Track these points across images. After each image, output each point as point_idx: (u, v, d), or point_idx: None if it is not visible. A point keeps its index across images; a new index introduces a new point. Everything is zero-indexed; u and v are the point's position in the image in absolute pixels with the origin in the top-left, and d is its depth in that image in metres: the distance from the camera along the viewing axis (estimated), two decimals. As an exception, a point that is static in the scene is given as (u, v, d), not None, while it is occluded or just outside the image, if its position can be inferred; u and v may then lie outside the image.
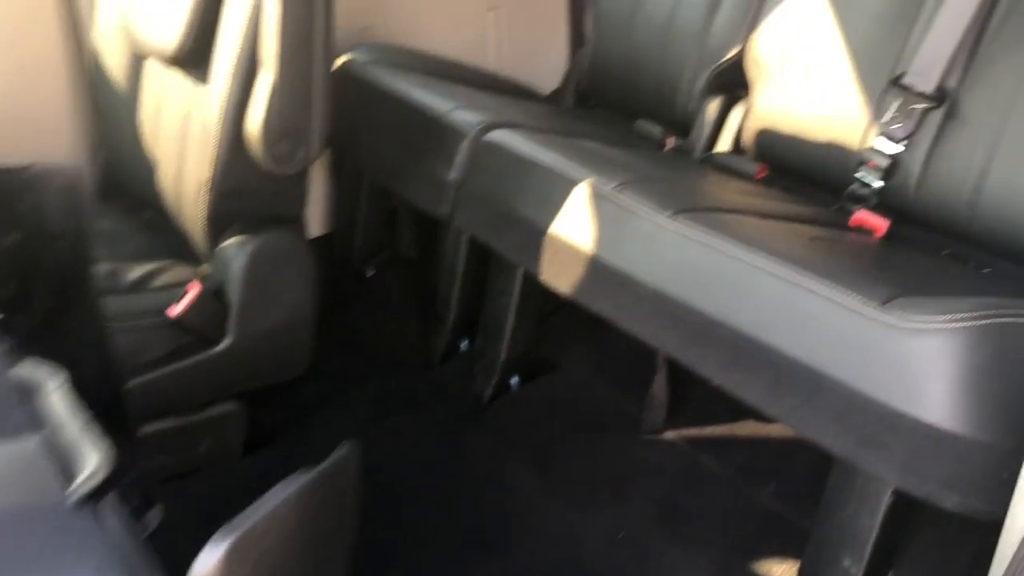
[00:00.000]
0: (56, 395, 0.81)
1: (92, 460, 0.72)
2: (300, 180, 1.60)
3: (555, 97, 2.43)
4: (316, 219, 2.21)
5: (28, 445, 0.75)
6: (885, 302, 1.15)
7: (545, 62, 2.51)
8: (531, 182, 1.59)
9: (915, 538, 1.32)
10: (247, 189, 1.54)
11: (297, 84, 1.45)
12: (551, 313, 1.91)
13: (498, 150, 1.66)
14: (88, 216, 1.12)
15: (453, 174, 1.72)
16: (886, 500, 1.22)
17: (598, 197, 1.47)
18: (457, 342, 1.98)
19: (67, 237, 1.07)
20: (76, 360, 0.95)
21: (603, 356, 1.94)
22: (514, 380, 1.88)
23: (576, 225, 1.49)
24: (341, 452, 1.06)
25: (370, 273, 2.21)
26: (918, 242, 1.67)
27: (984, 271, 1.62)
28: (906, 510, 1.23)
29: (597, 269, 1.45)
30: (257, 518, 0.86)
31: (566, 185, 1.52)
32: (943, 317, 1.08)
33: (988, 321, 1.08)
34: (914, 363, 1.09)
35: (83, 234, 1.10)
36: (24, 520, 0.67)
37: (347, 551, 1.13)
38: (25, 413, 0.79)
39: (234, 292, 1.54)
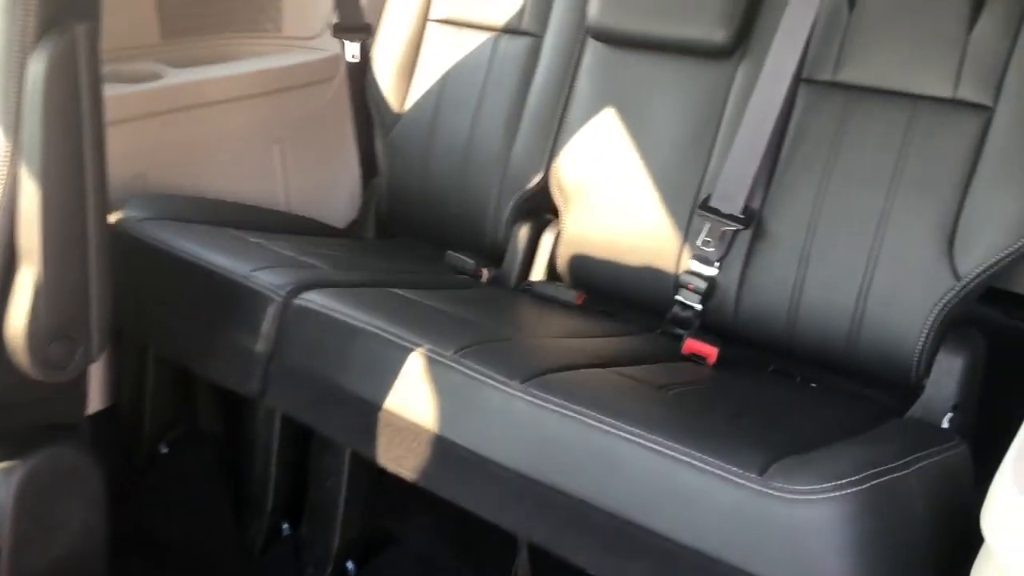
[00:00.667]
0: None
1: None
2: (79, 382, 1.35)
3: (354, 229, 2.30)
4: (96, 391, 1.92)
5: None
6: (763, 470, 1.09)
7: (337, 193, 2.37)
8: (356, 351, 1.44)
9: None
10: (11, 404, 1.27)
11: (70, 275, 1.22)
12: (389, 481, 1.73)
13: (313, 316, 1.50)
14: None
15: (261, 346, 1.52)
16: None
17: (436, 365, 1.34)
18: (278, 527, 1.75)
19: None
20: None
21: (452, 524, 1.78)
22: (350, 565, 1.68)
23: (415, 399, 1.35)
24: None
25: (164, 451, 1.94)
26: (747, 362, 1.67)
27: (811, 385, 1.64)
28: None
29: (445, 449, 1.31)
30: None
31: (398, 352, 1.38)
32: (828, 484, 1.04)
33: (873, 483, 1.05)
34: (806, 535, 1.04)
35: None
36: None
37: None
38: None
39: (4, 526, 1.26)
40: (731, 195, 1.68)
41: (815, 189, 1.64)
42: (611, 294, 1.87)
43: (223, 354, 1.58)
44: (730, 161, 1.69)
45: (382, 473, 1.54)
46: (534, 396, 1.25)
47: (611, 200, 1.86)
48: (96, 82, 1.21)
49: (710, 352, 1.63)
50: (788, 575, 1.04)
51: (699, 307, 1.71)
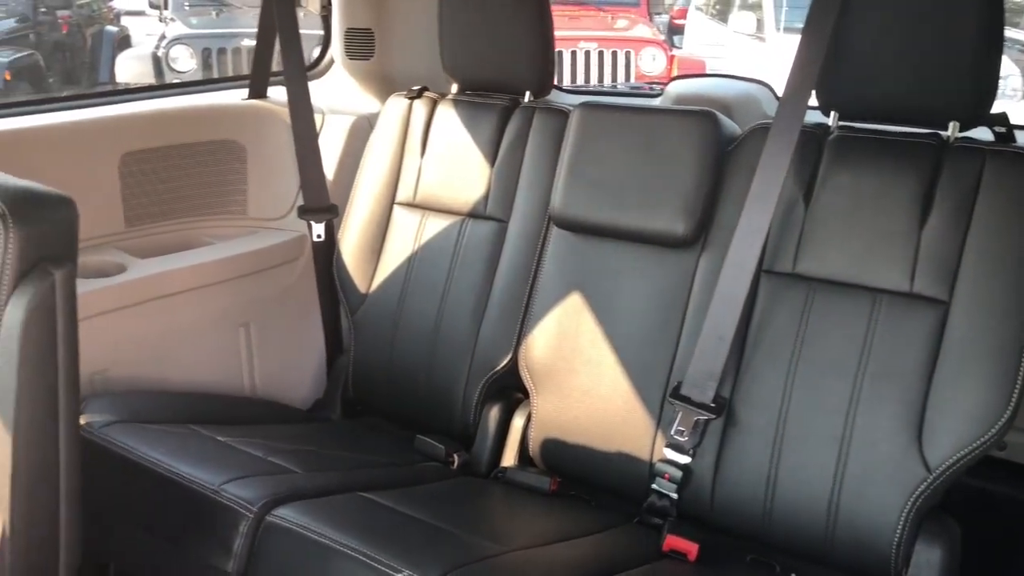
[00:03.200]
0: None
1: None
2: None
3: (319, 408, 2.27)
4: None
5: None
6: None
7: (303, 372, 2.36)
8: (333, 573, 1.40)
9: None
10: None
11: (37, 524, 1.18)
12: None
13: (286, 534, 1.46)
14: None
15: (232, 565, 1.48)
16: None
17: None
18: None
19: None
20: None
21: None
22: None
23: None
24: None
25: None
26: (726, 553, 1.66)
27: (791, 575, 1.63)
28: None
29: None
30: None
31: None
32: None
33: None
34: None
35: None
36: None
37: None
38: None
39: None
40: (701, 384, 1.70)
41: (783, 377, 1.67)
42: (586, 479, 1.86)
43: (191, 573, 1.53)
44: (698, 351, 1.72)
45: None
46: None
47: (581, 384, 1.87)
48: (73, 323, 1.20)
49: (690, 548, 1.62)
50: None
51: (675, 496, 1.71)
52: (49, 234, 1.19)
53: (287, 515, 1.48)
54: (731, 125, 1.88)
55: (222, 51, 6.85)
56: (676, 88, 2.42)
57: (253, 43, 2.43)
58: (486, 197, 2.09)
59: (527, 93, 2.11)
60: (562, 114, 2.02)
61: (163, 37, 7.06)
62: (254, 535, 1.48)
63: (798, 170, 1.71)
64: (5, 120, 1.98)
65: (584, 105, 1.96)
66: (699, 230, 1.80)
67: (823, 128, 1.74)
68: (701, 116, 1.83)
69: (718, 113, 1.85)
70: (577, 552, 1.58)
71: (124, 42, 8.32)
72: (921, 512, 1.53)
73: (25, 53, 6.93)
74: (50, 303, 1.16)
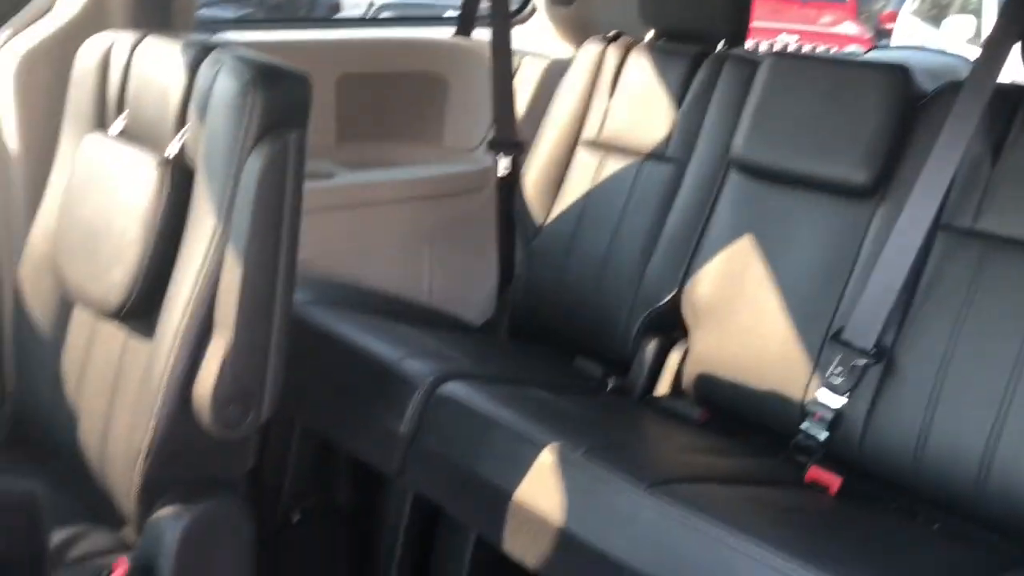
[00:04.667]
0: None
1: None
2: (246, 442, 1.49)
3: (487, 328, 2.43)
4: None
5: None
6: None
7: (476, 293, 2.52)
8: (490, 442, 1.54)
9: None
10: (187, 455, 1.42)
11: (254, 345, 1.38)
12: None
13: (453, 405, 1.61)
14: (45, 544, 0.99)
15: (404, 427, 1.64)
16: None
17: (566, 463, 1.43)
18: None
19: (18, 565, 0.94)
20: None
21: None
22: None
23: (544, 492, 1.43)
24: None
25: (296, 519, 2.06)
26: (869, 497, 1.67)
27: (934, 527, 1.63)
28: None
29: (567, 542, 1.38)
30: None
31: (529, 447, 1.47)
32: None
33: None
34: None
35: (38, 562, 0.97)
36: None
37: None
38: None
39: (165, 571, 1.39)
40: (864, 330, 1.72)
41: (948, 332, 1.66)
42: (735, 414, 1.92)
43: (367, 432, 1.71)
44: (865, 298, 1.74)
45: (502, 565, 1.62)
46: (659, 502, 1.31)
47: (742, 323, 1.92)
48: (300, 182, 1.38)
49: (833, 481, 1.65)
50: None
51: (824, 436, 1.74)
52: (286, 103, 1.38)
53: (454, 390, 1.63)
54: (924, 83, 1.88)
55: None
56: (873, 56, 2.41)
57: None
58: (668, 140, 2.17)
59: (721, 42, 2.17)
60: (752, 64, 2.06)
61: (371, 5, 7.49)
62: (425, 404, 1.63)
63: (989, 128, 1.69)
64: (247, 32, 2.24)
65: (776, 54, 2.00)
66: (879, 181, 1.81)
67: (1020, 88, 1.72)
68: (893, 68, 1.84)
69: (911, 68, 1.85)
70: (720, 461, 1.64)
71: (334, 9, 8.85)
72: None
73: (246, 11, 7.53)
74: (282, 160, 1.35)
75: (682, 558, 1.26)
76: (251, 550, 1.48)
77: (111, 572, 1.36)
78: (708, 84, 2.13)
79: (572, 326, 2.21)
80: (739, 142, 2.00)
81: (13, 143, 1.71)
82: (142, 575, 1.39)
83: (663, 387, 2.04)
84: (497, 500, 1.47)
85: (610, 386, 2.06)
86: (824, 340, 1.79)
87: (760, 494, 1.49)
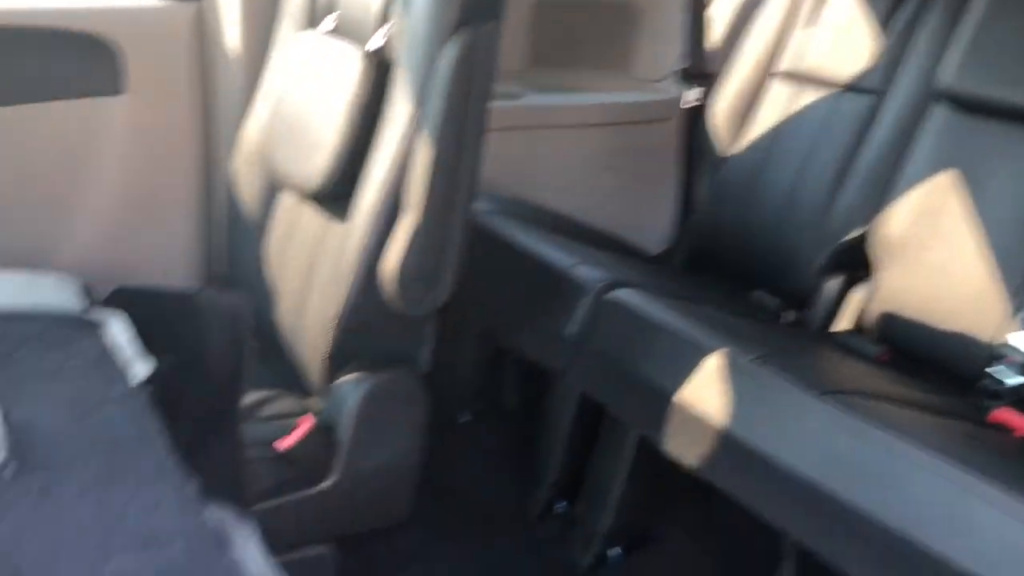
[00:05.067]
0: (250, 546, 0.77)
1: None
2: (424, 322, 1.58)
3: (663, 258, 2.42)
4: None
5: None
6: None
7: (653, 223, 2.51)
8: (657, 346, 1.55)
9: None
10: (372, 328, 1.52)
11: (438, 228, 1.45)
12: (660, 481, 1.81)
13: (621, 309, 1.63)
14: (247, 348, 1.11)
15: (572, 329, 1.68)
16: None
17: (734, 368, 1.42)
18: (554, 502, 1.89)
19: (223, 367, 1.06)
20: (209, 492, 0.91)
21: (719, 534, 1.82)
22: (614, 552, 1.77)
23: (708, 395, 1.43)
24: None
25: (464, 419, 2.16)
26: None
27: None
28: None
29: (730, 445, 1.38)
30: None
31: (696, 352, 1.47)
32: None
33: None
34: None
35: (239, 366, 1.08)
36: None
37: None
38: (225, 566, 0.75)
39: (346, 430, 1.50)
40: (1070, 271, 1.60)
41: None
42: (918, 355, 1.83)
43: (537, 333, 1.76)
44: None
45: (662, 465, 1.64)
46: (831, 409, 1.29)
47: (934, 262, 1.83)
48: (491, 71, 1.44)
49: (1019, 423, 1.56)
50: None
51: (1014, 381, 1.64)
52: (481, -1, 1.43)
53: (624, 296, 1.65)
54: None
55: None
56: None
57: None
58: (868, 71, 2.08)
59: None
60: (968, -9, 1.94)
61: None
62: (595, 308, 1.66)
63: None
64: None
65: (998, -22, 1.87)
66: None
67: None
68: None
69: None
70: (898, 389, 1.58)
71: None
72: None
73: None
74: (477, 51, 1.41)
75: (851, 466, 1.23)
76: (423, 420, 1.57)
77: (296, 427, 1.48)
78: (916, 13, 2.02)
79: (751, 259, 2.17)
80: (948, 72, 1.88)
81: (235, 44, 1.85)
82: (324, 433, 1.50)
83: (842, 324, 1.98)
84: (660, 401, 1.48)
85: (786, 319, 2.02)
86: (1022, 282, 1.68)
87: (937, 421, 1.42)
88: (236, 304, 1.18)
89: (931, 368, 1.81)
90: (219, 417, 0.99)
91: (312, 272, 1.61)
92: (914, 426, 1.30)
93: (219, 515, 0.83)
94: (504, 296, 1.89)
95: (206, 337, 1.09)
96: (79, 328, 1.13)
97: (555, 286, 1.75)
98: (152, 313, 1.18)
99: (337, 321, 1.51)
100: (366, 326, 1.51)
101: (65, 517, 0.81)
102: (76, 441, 0.91)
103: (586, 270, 1.74)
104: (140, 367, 1.06)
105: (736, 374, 1.41)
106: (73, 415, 0.95)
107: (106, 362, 1.06)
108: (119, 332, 1.11)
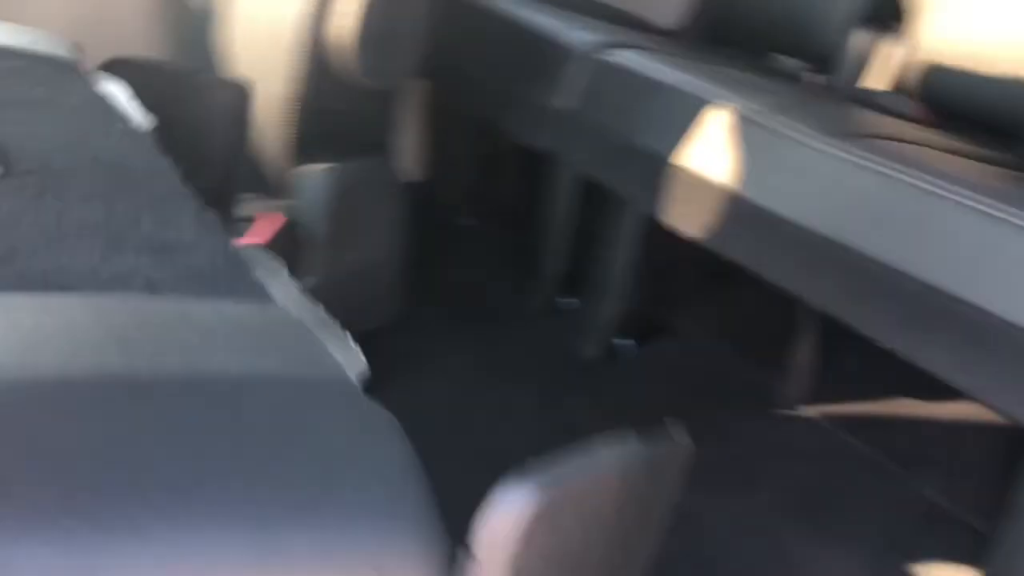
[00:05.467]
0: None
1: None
2: (391, 102, 1.41)
3: (676, 33, 2.19)
4: (411, 165, 2.03)
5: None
6: None
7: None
8: (657, 108, 1.37)
9: None
10: (334, 108, 1.36)
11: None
12: (670, 266, 1.67)
13: (619, 72, 1.44)
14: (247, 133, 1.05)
15: (565, 100, 1.50)
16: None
17: (745, 122, 1.24)
18: (558, 299, 1.76)
19: (223, 150, 0.94)
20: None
21: (730, 318, 1.70)
22: (627, 343, 1.65)
23: (714, 156, 1.26)
24: (676, 436, 0.73)
25: (467, 223, 2.02)
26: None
27: None
28: None
29: (739, 208, 1.22)
30: (579, 474, 0.58)
31: (704, 109, 1.29)
32: None
33: None
34: None
35: (238, 150, 1.04)
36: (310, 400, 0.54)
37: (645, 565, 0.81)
38: (250, 284, 0.68)
39: (319, 224, 1.36)
40: None
41: None
42: (966, 114, 1.63)
43: (528, 109, 1.58)
44: None
45: (669, 243, 1.49)
46: (853, 154, 1.11)
47: (982, 6, 1.59)
48: None
49: (1076, 172, 1.37)
50: None
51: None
52: None
53: (623, 57, 1.46)
54: None
55: None
56: None
57: None
58: None
59: None
60: None
61: None
62: (589, 73, 1.47)
63: None
64: None
65: None
66: None
67: None
68: None
69: None
70: (932, 137, 1.40)
71: None
72: None
73: None
74: None
75: (875, 214, 1.07)
76: (402, 214, 1.44)
77: (265, 226, 1.35)
78: None
79: (771, 21, 1.94)
80: None
81: None
82: (296, 228, 1.37)
83: (873, 83, 1.77)
84: (663, 170, 1.32)
85: (809, 82, 1.81)
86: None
87: (977, 166, 1.24)
88: (239, 88, 1.12)
89: (978, 126, 1.61)
90: (216, 202, 0.87)
91: (255, 47, 1.43)
92: (948, 168, 1.12)
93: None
94: (491, 74, 1.70)
95: (211, 118, 0.98)
96: (71, 73, 1.02)
97: (545, 54, 1.56)
98: (148, 85, 1.07)
99: (295, 104, 1.34)
100: (324, 107, 1.35)
101: (68, 215, 0.69)
102: (75, 159, 0.80)
103: (579, 33, 1.54)
104: (142, 119, 0.96)
105: (746, 128, 1.23)
106: (70, 140, 0.84)
107: (103, 104, 0.96)
108: (116, 89, 1.02)
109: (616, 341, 1.63)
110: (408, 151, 2.03)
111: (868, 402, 1.50)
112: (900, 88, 1.73)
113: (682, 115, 1.32)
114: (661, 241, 1.45)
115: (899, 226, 1.05)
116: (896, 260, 1.03)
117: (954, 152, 1.31)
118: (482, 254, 1.96)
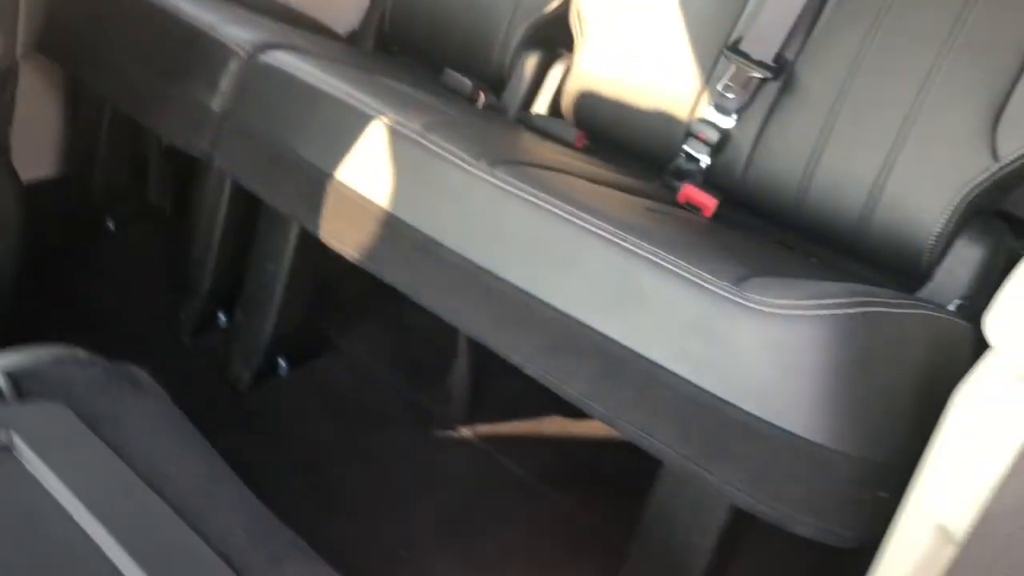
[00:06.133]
0: None
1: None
2: (3, 96, 1.21)
3: (352, 39, 2.12)
4: (48, 158, 1.79)
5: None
6: (740, 281, 0.95)
7: (344, 1, 2.19)
8: (315, 116, 1.29)
9: (753, 562, 1.15)
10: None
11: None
12: (329, 282, 1.60)
13: (276, 75, 1.35)
14: None
15: (218, 101, 1.38)
16: (723, 518, 1.03)
17: (399, 139, 1.20)
18: (214, 314, 1.62)
19: None
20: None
21: (391, 337, 1.66)
22: (281, 363, 1.56)
23: (369, 172, 1.20)
24: None
25: (109, 227, 1.81)
26: (746, 226, 1.52)
27: (811, 259, 1.50)
28: (745, 530, 1.05)
29: (392, 228, 1.17)
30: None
31: (360, 122, 1.23)
32: (811, 302, 0.90)
33: (862, 310, 0.90)
34: (774, 356, 0.90)
35: None
36: None
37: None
38: None
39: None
40: (765, 39, 1.51)
41: (857, 44, 1.46)
42: (615, 140, 1.71)
43: (177, 108, 1.44)
44: (770, 4, 1.52)
45: (324, 276, 1.43)
46: (500, 180, 1.11)
47: (633, 33, 1.68)
48: None
49: (708, 203, 1.48)
50: (746, 397, 0.90)
51: (706, 160, 1.56)
52: None
53: (281, 59, 1.36)
54: None
55: None
56: None
57: None
58: None
59: None
60: None
61: None
62: (243, 74, 1.37)
63: None
64: None
65: None
66: None
67: None
68: None
69: None
70: (586, 167, 1.45)
71: None
72: (971, 209, 1.36)
73: None
74: None
75: (519, 239, 1.07)
76: (12, 219, 1.24)
77: None
78: None
79: (446, 37, 1.93)
80: None
81: None
82: None
83: (540, 107, 1.81)
84: (318, 182, 1.25)
85: (481, 102, 1.82)
86: (720, 51, 1.57)
87: (622, 197, 1.30)
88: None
89: (627, 153, 1.70)
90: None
91: None
92: (594, 199, 1.15)
93: None
94: (138, 68, 1.52)
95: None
96: None
97: (197, 49, 1.42)
98: None
99: None
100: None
101: None
102: None
103: (234, 29, 1.42)
104: None
105: (400, 145, 1.19)
106: None
107: None
108: None
109: (274, 362, 1.53)
110: (43, 142, 1.79)
111: (518, 421, 1.52)
112: (563, 113, 1.79)
113: (340, 126, 1.26)
114: (320, 255, 1.37)
115: (542, 256, 1.05)
116: (539, 289, 1.04)
117: (603, 181, 1.36)
118: (126, 263, 1.77)
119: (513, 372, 1.28)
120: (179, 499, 0.66)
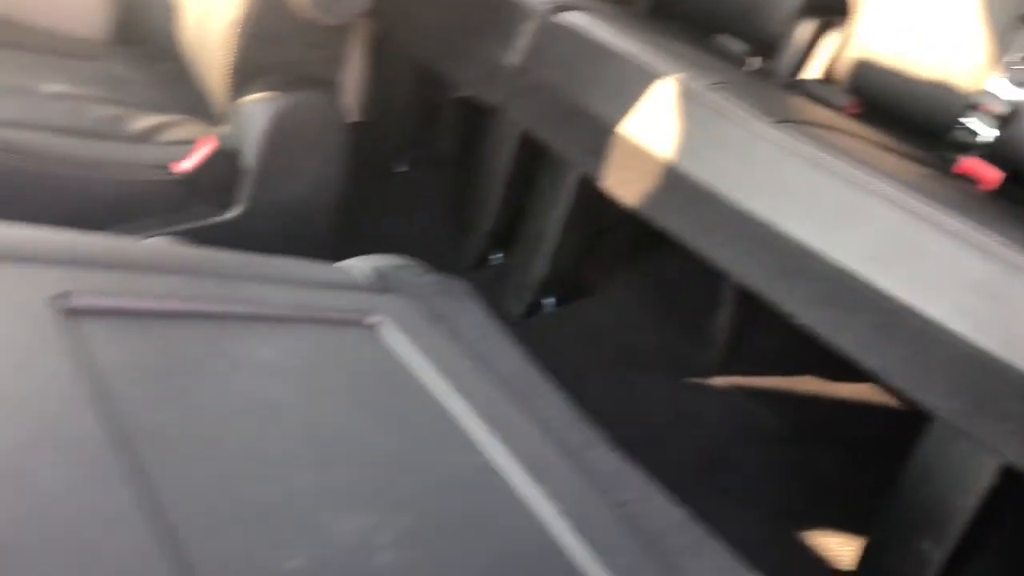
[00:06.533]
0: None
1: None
2: (338, 38, 1.39)
3: (625, 4, 2.20)
4: (351, 107, 2.00)
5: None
6: (1027, 246, 0.95)
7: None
8: (606, 73, 1.39)
9: (1016, 525, 1.14)
10: (279, 37, 1.34)
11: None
12: (600, 231, 1.70)
13: (570, 34, 1.45)
14: None
15: (514, 58, 1.51)
16: (989, 477, 1.04)
17: (687, 96, 1.27)
18: (490, 253, 1.78)
19: None
20: None
21: (654, 285, 1.74)
22: (549, 301, 1.68)
23: (656, 126, 1.29)
24: None
25: (402, 169, 2.01)
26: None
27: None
28: (1011, 491, 1.05)
29: (674, 179, 1.25)
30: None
31: (649, 79, 1.32)
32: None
33: None
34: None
35: None
36: None
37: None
38: None
39: (253, 154, 1.35)
40: (1066, 8, 1.44)
41: None
42: (890, 108, 1.69)
43: (476, 63, 1.59)
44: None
45: (596, 224, 1.52)
46: (786, 137, 1.15)
47: (916, 5, 1.65)
48: None
49: (991, 176, 1.44)
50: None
51: (991, 132, 1.51)
52: None
53: (575, 19, 1.47)
54: None
55: None
56: None
57: None
58: None
59: None
60: None
61: None
62: (539, 33, 1.48)
63: None
64: None
65: None
66: None
67: None
68: None
69: None
70: (863, 130, 1.45)
71: None
72: None
73: None
74: None
75: (803, 199, 1.12)
76: (341, 151, 1.43)
77: (196, 149, 1.33)
78: None
79: (719, 3, 1.97)
80: None
81: None
82: (229, 157, 1.35)
83: (811, 73, 1.82)
84: (604, 134, 1.35)
85: (752, 66, 1.85)
86: (1012, 21, 1.51)
87: (899, 162, 1.30)
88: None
89: (900, 122, 1.68)
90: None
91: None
92: (873, 160, 1.17)
93: None
94: (442, 25, 1.69)
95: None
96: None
97: (498, 10, 1.56)
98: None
99: (240, 26, 1.32)
100: (272, 34, 1.33)
101: None
102: None
103: (529, -11, 1.55)
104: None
105: (688, 102, 1.26)
106: None
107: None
108: None
109: (541, 300, 1.67)
110: (350, 90, 2.00)
111: (775, 376, 1.56)
112: (836, 79, 1.78)
113: (627, 83, 1.35)
114: (595, 203, 1.48)
115: (823, 211, 1.10)
116: (818, 244, 1.08)
117: (879, 146, 1.37)
118: (416, 202, 1.96)
119: (772, 328, 1.33)
120: (505, 383, 0.78)
